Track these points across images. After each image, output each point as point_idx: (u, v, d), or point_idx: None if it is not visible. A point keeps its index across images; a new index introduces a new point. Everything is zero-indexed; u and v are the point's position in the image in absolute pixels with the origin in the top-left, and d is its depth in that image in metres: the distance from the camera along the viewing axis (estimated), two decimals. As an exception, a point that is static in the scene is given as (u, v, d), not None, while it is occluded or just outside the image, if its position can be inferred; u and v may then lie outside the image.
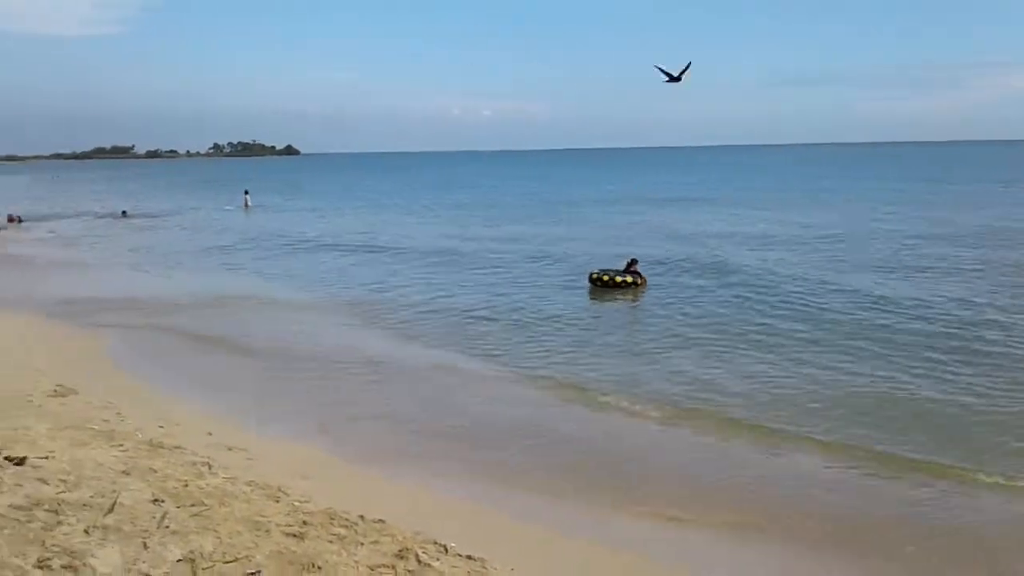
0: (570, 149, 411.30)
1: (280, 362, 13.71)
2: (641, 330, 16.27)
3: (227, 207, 51.32)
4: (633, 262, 20.76)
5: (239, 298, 19.91)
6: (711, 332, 15.44)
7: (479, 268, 24.45)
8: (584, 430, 10.73)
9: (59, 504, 5.80)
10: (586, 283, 20.57)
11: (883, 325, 15.41)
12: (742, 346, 14.25)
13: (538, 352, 14.26)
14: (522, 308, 18.13)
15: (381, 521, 6.71)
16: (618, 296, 19.60)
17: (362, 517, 6.74)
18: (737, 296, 18.85)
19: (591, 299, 19.61)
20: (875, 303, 17.30)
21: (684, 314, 17.16)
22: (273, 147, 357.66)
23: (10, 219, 41.28)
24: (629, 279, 20.14)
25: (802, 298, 18.18)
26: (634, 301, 19.22)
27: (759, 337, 14.82)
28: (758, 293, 18.99)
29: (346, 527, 6.50)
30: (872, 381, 11.99)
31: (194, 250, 30.19)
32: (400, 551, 6.17)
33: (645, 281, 20.40)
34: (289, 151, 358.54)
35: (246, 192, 53.42)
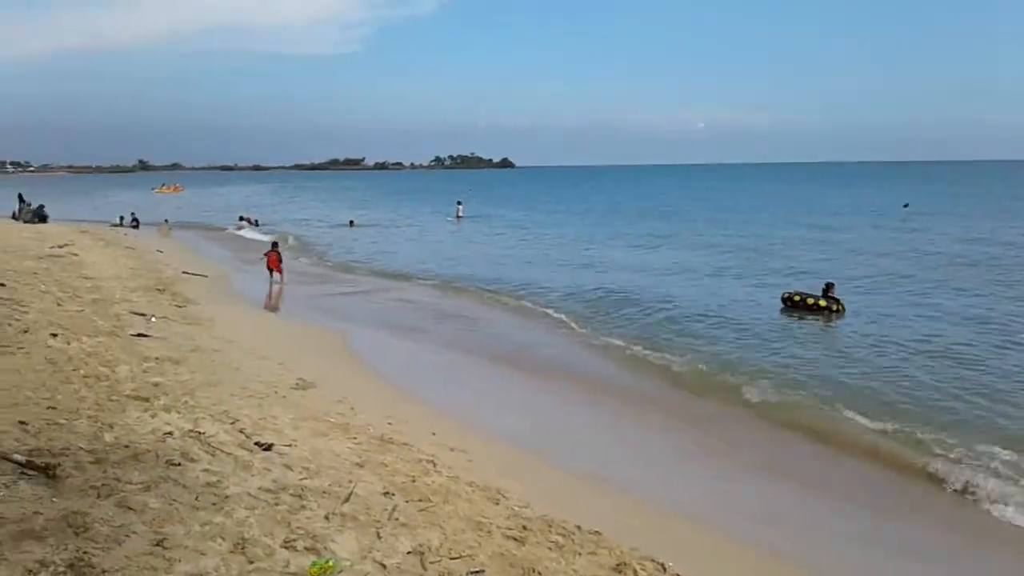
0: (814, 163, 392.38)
1: (503, 369, 14.12)
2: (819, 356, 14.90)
3: (448, 218, 53.46)
4: (830, 286, 19.01)
5: (463, 306, 20.68)
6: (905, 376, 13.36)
7: (677, 280, 24.19)
8: (796, 452, 10.30)
9: (302, 490, 6.22)
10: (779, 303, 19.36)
11: None
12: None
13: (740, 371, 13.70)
14: (722, 325, 17.51)
15: (597, 533, 6.68)
16: (809, 318, 18.19)
17: (579, 527, 6.74)
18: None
19: (783, 318, 18.48)
20: None
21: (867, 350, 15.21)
22: (490, 160, 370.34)
23: (248, 221, 45.43)
24: (823, 303, 18.51)
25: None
26: (826, 325, 17.74)
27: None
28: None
29: (563, 535, 6.53)
30: None
31: (417, 258, 31.56)
32: (617, 565, 6.11)
33: (843, 308, 18.55)
34: (504, 164, 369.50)
35: (459, 203, 55.56)
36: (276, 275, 23.34)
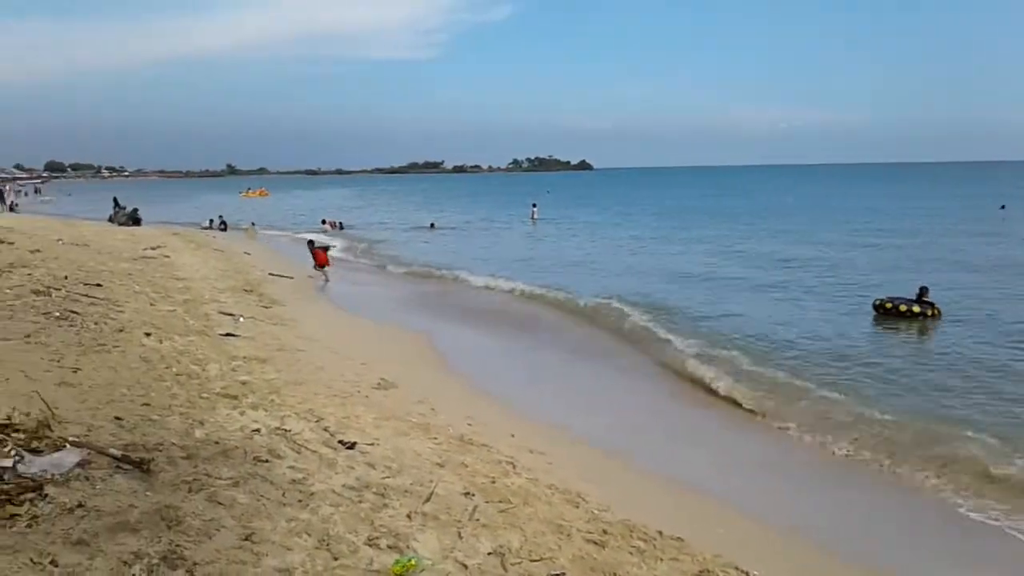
0: (898, 163, 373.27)
1: (581, 370, 14.10)
2: (926, 369, 14.02)
3: (523, 220, 53.46)
4: (924, 291, 18.21)
5: (539, 308, 20.67)
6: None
7: (759, 288, 23.42)
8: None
9: (385, 488, 6.30)
10: (870, 311, 18.55)
11: None
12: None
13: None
14: (806, 334, 16.68)
15: (679, 539, 6.60)
16: (902, 327, 17.36)
17: (660, 533, 6.66)
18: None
19: (875, 328, 17.65)
20: None
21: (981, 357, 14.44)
22: (568, 162, 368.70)
23: (331, 224, 46.29)
24: (917, 309, 17.73)
25: None
26: (923, 334, 16.92)
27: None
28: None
29: (645, 541, 6.46)
30: None
31: (494, 260, 31.66)
32: (700, 572, 6.03)
33: (939, 313, 17.78)
34: (583, 166, 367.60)
35: (533, 205, 55.53)
36: (326, 269, 24.45)
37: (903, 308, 17.95)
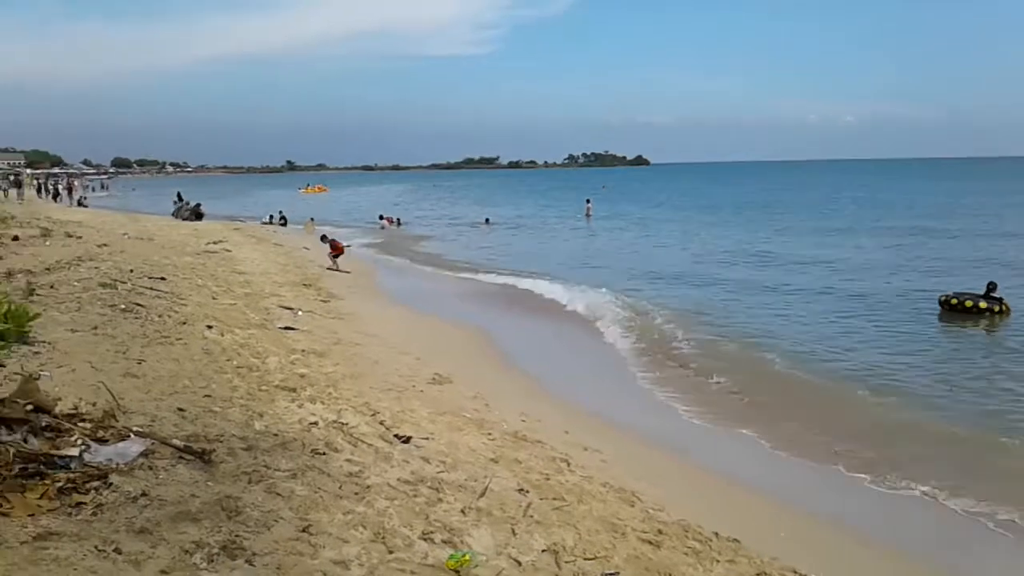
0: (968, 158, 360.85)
1: (633, 368, 13.95)
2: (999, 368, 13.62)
3: (577, 216, 53.24)
4: (992, 286, 17.52)
5: (591, 307, 20.46)
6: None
7: (817, 286, 22.89)
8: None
9: (439, 483, 6.32)
10: (936, 307, 18.01)
11: None
12: None
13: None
14: (865, 334, 16.31)
15: (736, 541, 6.51)
16: (970, 324, 16.83)
17: (716, 534, 6.59)
18: None
19: (940, 326, 17.13)
20: None
21: None
22: (624, 157, 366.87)
23: (389, 220, 46.68)
24: (984, 305, 17.10)
25: None
26: (990, 332, 16.38)
27: None
28: None
29: (700, 542, 6.39)
30: None
31: (549, 257, 31.61)
32: (757, 575, 5.92)
33: (1009, 309, 17.15)
34: (639, 161, 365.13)
35: (588, 201, 55.20)
36: (339, 260, 24.76)
37: (969, 304, 17.32)
